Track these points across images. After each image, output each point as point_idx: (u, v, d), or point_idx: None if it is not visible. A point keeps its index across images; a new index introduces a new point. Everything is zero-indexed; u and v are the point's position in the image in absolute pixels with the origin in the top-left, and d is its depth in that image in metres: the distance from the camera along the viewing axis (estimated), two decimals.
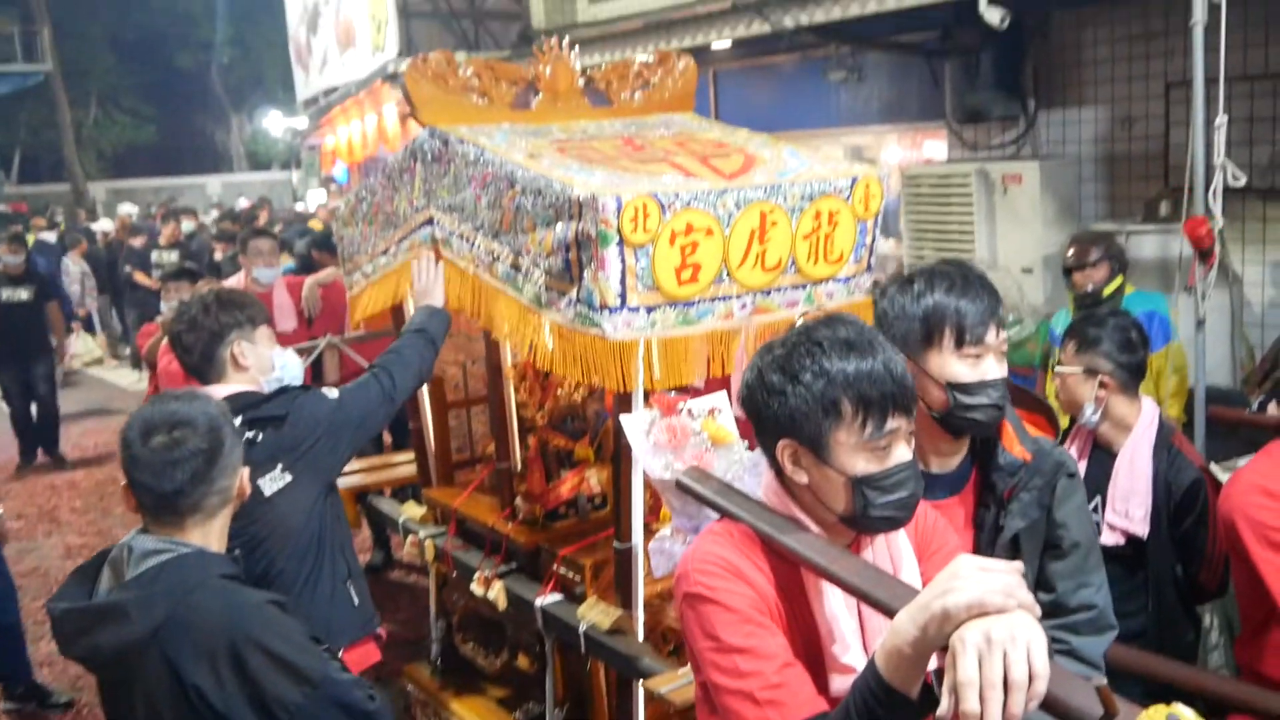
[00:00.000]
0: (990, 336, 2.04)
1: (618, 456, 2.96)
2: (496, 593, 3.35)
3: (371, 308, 3.79)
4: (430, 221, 3.35)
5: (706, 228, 2.76)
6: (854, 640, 1.70)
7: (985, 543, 2.13)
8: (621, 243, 2.63)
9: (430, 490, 4.04)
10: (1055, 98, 6.86)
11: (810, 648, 1.69)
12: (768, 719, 1.56)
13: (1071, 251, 4.73)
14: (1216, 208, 3.93)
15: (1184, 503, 2.92)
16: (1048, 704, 1.25)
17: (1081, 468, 2.96)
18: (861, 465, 1.65)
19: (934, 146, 8.03)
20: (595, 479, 3.48)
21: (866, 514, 1.66)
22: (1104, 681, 1.22)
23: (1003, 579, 1.30)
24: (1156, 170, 6.35)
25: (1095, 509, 2.98)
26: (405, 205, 3.50)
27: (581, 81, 3.63)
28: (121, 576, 2.11)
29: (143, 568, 2.08)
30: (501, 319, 3.04)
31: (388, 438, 6.63)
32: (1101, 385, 2.98)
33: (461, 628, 3.90)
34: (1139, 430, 2.97)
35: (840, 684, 1.67)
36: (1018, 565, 1.34)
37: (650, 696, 2.85)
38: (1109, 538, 2.94)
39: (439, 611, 4.02)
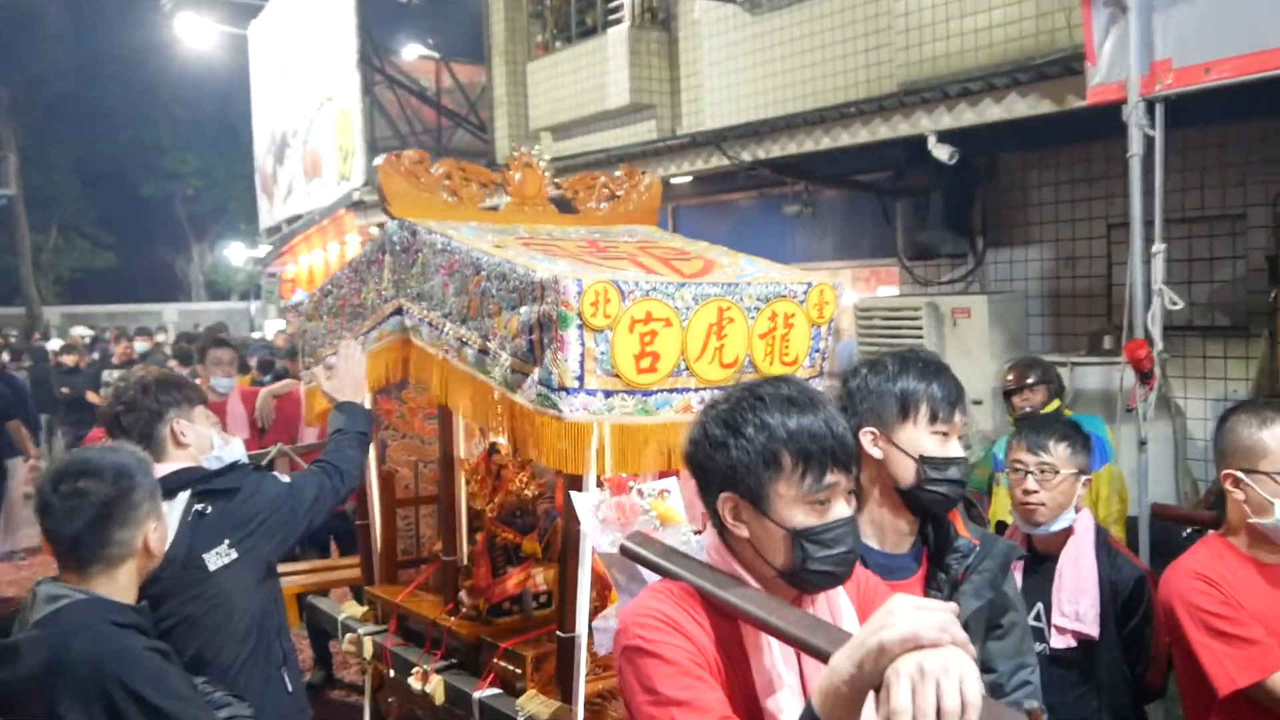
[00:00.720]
0: (957, 417, 2.16)
1: (565, 554, 2.94)
2: (434, 686, 3.27)
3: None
4: (400, 311, 3.39)
5: (665, 318, 2.82)
6: (793, 698, 1.68)
7: None
8: (581, 325, 2.68)
9: (372, 588, 3.96)
10: (1002, 237, 7.13)
11: (749, 704, 1.67)
12: None
13: (1010, 376, 4.89)
14: (1156, 331, 4.07)
15: (1130, 601, 2.94)
16: None
17: (1018, 577, 2.98)
18: (800, 518, 1.67)
19: (886, 289, 8.25)
20: (542, 577, 3.45)
21: (805, 568, 1.67)
22: (1035, 705, 1.22)
23: (938, 616, 1.32)
24: (1100, 307, 6.57)
25: (1038, 617, 2.99)
26: (373, 296, 3.54)
27: (549, 189, 3.74)
28: (27, 622, 2.19)
29: (44, 612, 2.16)
30: (470, 403, 3.06)
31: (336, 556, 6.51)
32: (1084, 485, 3.03)
33: None
34: (1080, 532, 3.01)
35: None
36: (952, 606, 1.36)
37: None
38: (1059, 641, 2.94)
39: (373, 715, 3.90)
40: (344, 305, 3.73)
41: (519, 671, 3.11)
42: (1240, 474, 2.39)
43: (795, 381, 1.76)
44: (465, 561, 3.56)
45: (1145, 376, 4.10)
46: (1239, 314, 5.99)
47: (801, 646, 1.55)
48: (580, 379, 2.72)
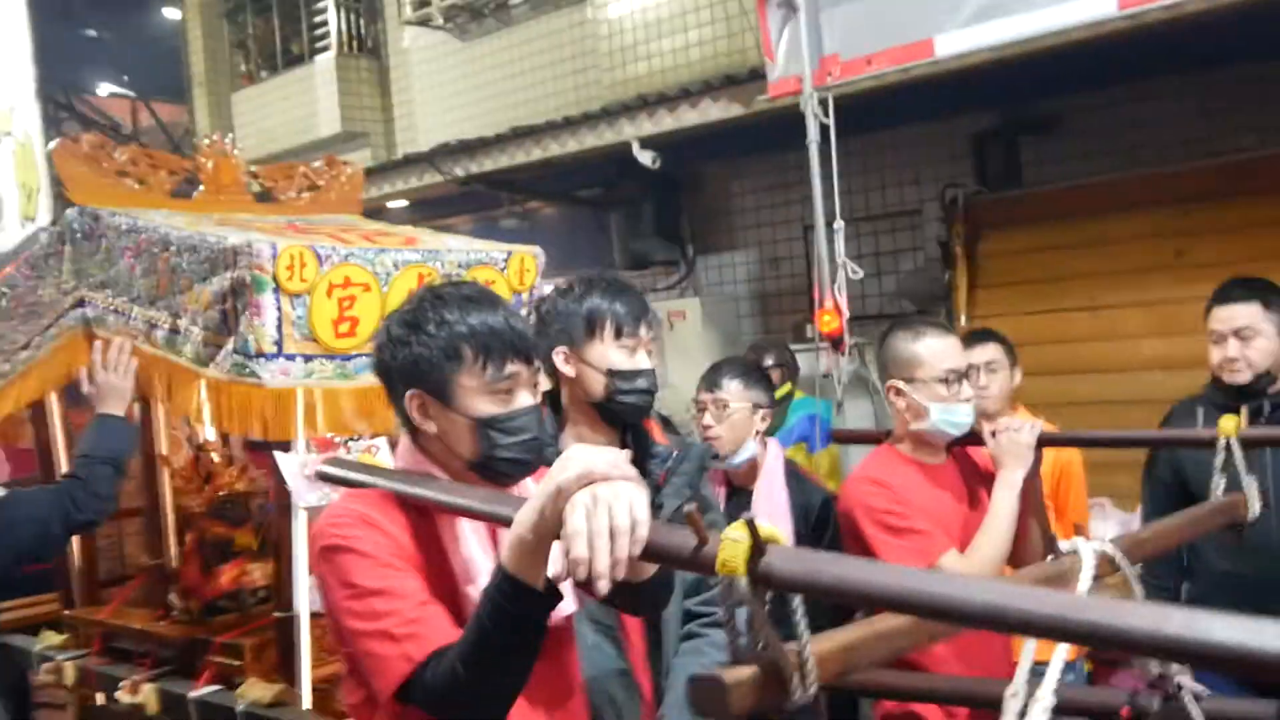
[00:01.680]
0: (642, 331, 2.28)
1: (280, 530, 2.86)
2: (146, 696, 3.06)
3: (10, 407, 3.51)
4: (82, 303, 3.19)
5: (364, 283, 2.81)
6: None
7: None
8: (278, 290, 2.63)
9: (71, 611, 3.68)
10: (710, 243, 7.51)
11: (451, 595, 1.70)
12: (406, 653, 1.57)
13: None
14: (842, 300, 4.40)
15: (819, 521, 3.16)
16: (649, 549, 1.33)
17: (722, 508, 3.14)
18: (485, 407, 1.73)
19: None
20: (259, 573, 3.31)
21: (493, 455, 1.74)
22: (690, 507, 1.31)
23: (609, 454, 1.41)
24: (802, 303, 6.98)
25: None
26: (53, 291, 3.32)
27: (246, 178, 3.65)
28: None
29: None
30: (163, 386, 2.93)
31: None
32: (763, 419, 3.22)
33: None
34: (770, 464, 3.23)
35: None
36: (626, 452, 1.44)
37: None
38: None
39: None
40: (18, 306, 3.47)
41: (238, 664, 2.97)
42: (901, 384, 2.62)
43: (475, 284, 1.84)
44: (174, 563, 3.38)
45: (836, 343, 4.42)
46: (922, 299, 6.53)
47: (489, 518, 1.60)
48: (279, 344, 2.66)
